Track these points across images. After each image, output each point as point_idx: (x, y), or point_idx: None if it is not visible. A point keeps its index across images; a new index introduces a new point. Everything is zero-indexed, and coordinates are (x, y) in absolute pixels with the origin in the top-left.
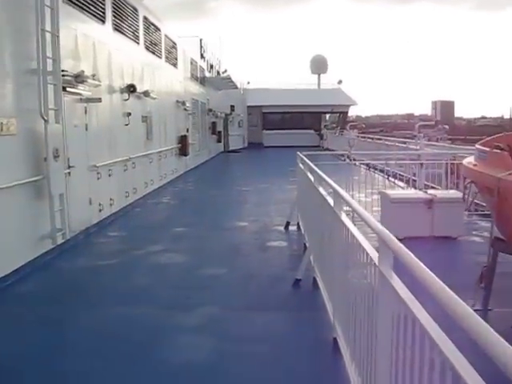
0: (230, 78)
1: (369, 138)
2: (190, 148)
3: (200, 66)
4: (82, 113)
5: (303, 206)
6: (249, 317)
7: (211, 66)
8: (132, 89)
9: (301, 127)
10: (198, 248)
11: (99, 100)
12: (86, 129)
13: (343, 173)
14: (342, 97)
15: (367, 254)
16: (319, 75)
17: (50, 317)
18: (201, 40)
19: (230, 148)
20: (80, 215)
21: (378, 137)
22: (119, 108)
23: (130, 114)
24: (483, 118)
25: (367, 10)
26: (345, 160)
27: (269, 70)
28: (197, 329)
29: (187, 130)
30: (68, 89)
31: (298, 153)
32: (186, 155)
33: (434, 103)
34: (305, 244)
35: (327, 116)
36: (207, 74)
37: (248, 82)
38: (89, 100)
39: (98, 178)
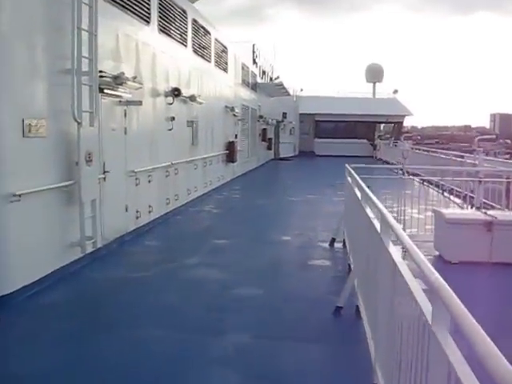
0: (282, 85)
1: (424, 150)
2: (238, 155)
3: (252, 72)
4: (121, 116)
5: (349, 223)
6: (281, 348)
7: (263, 72)
8: (177, 92)
9: (354, 137)
10: (235, 263)
11: (140, 103)
12: (125, 133)
13: (395, 186)
14: (398, 107)
15: (416, 301)
16: (374, 84)
17: (69, 333)
18: (253, 45)
19: (281, 156)
20: (114, 222)
21: (434, 149)
22: (162, 112)
23: (173, 118)
24: None
25: (426, 18)
26: (397, 173)
27: (323, 77)
28: (224, 359)
29: (236, 136)
30: (106, 90)
31: (347, 165)
32: (233, 162)
33: (493, 116)
34: (349, 265)
35: (381, 126)
36: (259, 80)
37: (301, 89)
38: (129, 103)
39: (137, 184)
